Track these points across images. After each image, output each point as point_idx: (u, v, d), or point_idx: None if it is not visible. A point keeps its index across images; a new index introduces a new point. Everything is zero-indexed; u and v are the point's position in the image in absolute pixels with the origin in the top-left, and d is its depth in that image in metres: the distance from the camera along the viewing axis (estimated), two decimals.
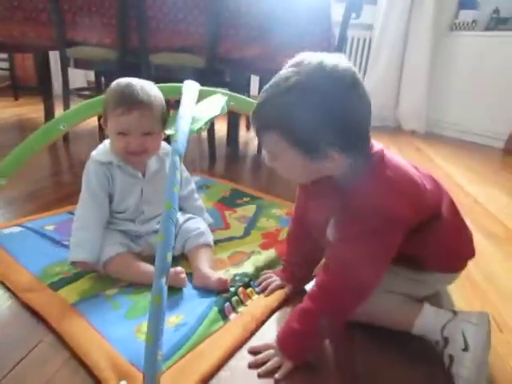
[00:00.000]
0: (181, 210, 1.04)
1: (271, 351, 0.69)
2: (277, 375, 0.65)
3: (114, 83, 0.88)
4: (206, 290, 0.85)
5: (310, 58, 0.60)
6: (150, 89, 0.87)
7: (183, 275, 0.84)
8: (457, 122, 3.07)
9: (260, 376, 0.65)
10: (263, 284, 0.89)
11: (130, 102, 0.83)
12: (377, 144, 0.69)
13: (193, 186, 1.10)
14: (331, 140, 0.59)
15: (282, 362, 0.67)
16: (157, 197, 0.95)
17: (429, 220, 0.70)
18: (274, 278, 0.90)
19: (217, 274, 0.86)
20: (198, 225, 1.00)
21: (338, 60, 0.59)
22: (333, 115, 0.58)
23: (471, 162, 2.41)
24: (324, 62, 0.58)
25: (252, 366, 0.67)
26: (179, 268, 0.84)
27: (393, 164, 0.67)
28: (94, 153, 0.93)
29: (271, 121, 0.61)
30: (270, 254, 1.02)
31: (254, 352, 0.70)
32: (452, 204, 0.77)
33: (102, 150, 0.93)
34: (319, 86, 0.57)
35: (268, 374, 0.65)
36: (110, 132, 0.88)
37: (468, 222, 0.80)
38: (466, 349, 0.66)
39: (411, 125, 3.26)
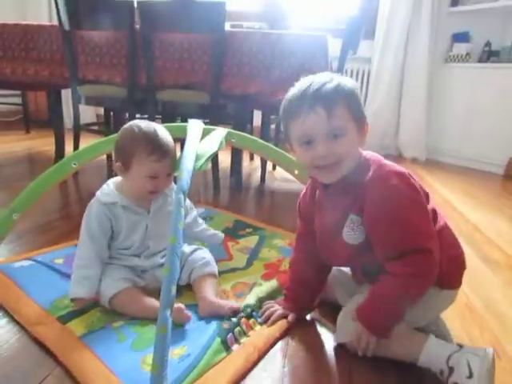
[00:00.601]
0: (187, 237, 1.07)
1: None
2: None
3: (137, 130, 0.91)
4: (208, 319, 0.87)
5: None
6: (168, 134, 0.94)
7: (185, 312, 0.85)
8: (456, 148, 3.13)
9: None
10: (266, 314, 0.92)
11: (165, 149, 0.91)
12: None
13: (195, 212, 1.14)
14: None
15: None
16: (161, 231, 0.98)
17: None
18: (276, 308, 0.92)
19: (228, 303, 0.91)
20: (204, 255, 1.04)
21: None
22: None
23: (471, 187, 2.44)
24: None
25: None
26: (181, 305, 0.85)
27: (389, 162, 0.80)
28: (98, 193, 0.96)
29: (340, 95, 0.73)
30: (272, 284, 1.04)
31: None
32: (445, 221, 0.83)
33: (107, 191, 0.96)
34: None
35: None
36: (135, 175, 0.92)
37: (466, 247, 0.84)
38: (470, 376, 0.68)
39: (411, 153, 3.32)
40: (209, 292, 0.93)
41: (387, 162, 0.79)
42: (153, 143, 0.90)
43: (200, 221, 1.16)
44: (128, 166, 0.92)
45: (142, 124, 0.93)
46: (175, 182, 0.87)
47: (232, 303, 0.91)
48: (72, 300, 0.89)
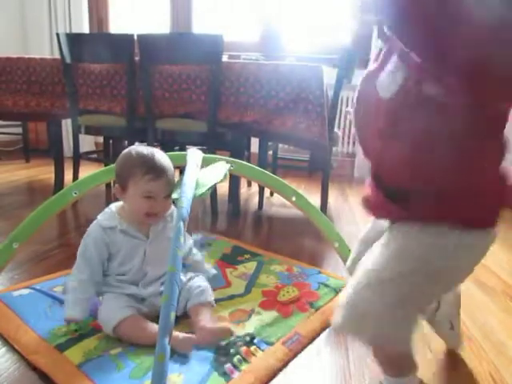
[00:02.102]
0: (183, 266, 1.08)
1: None
2: None
3: (134, 153, 0.95)
4: (207, 347, 0.87)
5: None
6: (166, 158, 0.98)
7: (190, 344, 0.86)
8: None
9: None
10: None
11: (160, 169, 0.93)
12: None
13: (191, 241, 1.15)
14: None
15: None
16: (159, 257, 0.99)
17: None
18: None
19: (218, 325, 0.93)
20: (200, 283, 1.04)
21: None
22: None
23: None
24: None
25: None
26: (191, 335, 0.87)
27: None
28: (99, 216, 0.99)
29: None
30: (272, 314, 1.04)
31: None
32: None
33: (108, 215, 0.99)
34: None
35: None
36: (132, 196, 0.94)
37: None
38: None
39: None
40: (206, 321, 0.93)
41: None
42: (148, 163, 0.93)
43: (194, 251, 1.16)
44: (125, 187, 0.95)
45: (140, 148, 0.97)
46: (176, 206, 0.89)
47: (226, 324, 0.94)
48: (66, 320, 0.91)
